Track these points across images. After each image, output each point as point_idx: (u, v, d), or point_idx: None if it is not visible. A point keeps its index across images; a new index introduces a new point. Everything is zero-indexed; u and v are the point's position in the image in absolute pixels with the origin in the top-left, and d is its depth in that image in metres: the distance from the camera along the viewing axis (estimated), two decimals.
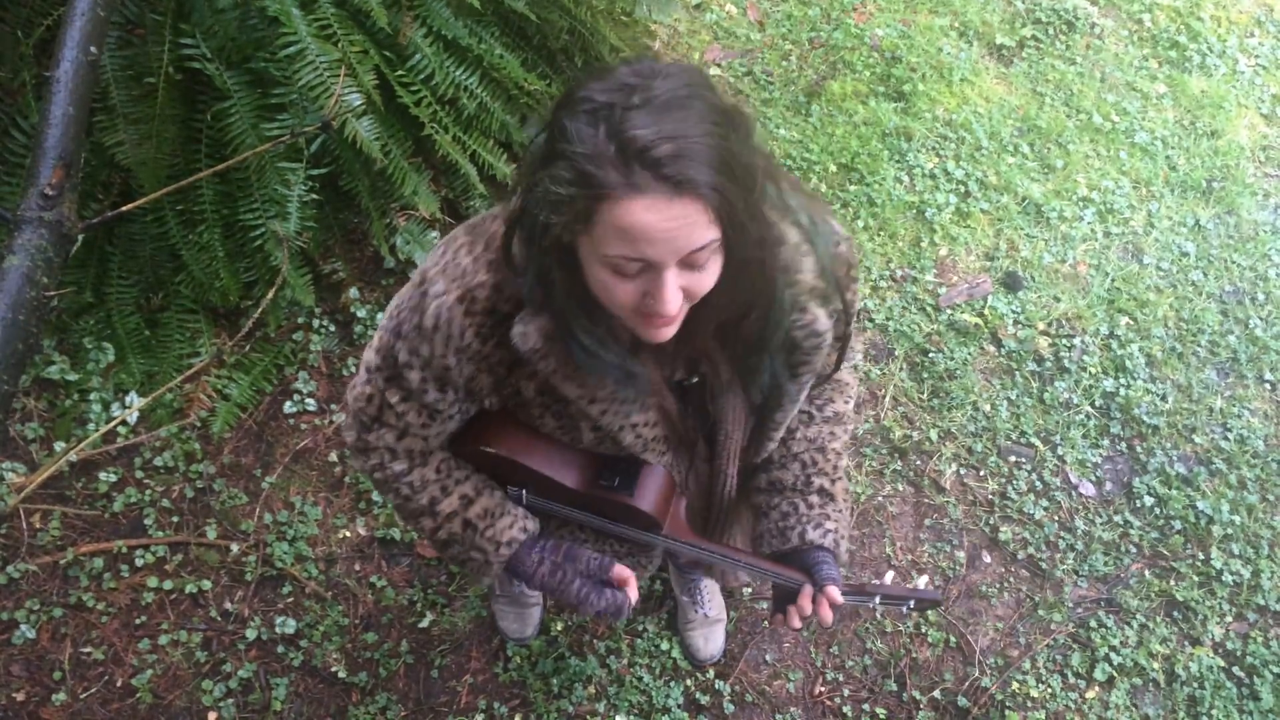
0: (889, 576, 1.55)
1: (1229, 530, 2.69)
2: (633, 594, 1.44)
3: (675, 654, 2.38)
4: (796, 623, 1.45)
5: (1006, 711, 2.38)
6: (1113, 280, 3.14)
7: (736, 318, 1.17)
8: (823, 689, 2.39)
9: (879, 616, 2.47)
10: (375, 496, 2.49)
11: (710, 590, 2.35)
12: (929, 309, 3.00)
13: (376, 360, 1.28)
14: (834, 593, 1.41)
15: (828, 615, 1.43)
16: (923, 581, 1.77)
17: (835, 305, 1.25)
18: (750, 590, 2.49)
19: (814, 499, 1.48)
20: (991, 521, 2.66)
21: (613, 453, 1.34)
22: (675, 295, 1.01)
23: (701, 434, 1.38)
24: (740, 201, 0.98)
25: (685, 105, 0.94)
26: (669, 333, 1.09)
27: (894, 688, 2.41)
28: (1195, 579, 2.62)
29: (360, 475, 2.49)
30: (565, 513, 1.46)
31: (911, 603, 1.59)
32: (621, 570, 1.45)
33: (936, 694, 2.41)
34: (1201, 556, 2.65)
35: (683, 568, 2.23)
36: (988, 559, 2.62)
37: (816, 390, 1.49)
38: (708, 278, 1.04)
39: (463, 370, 1.21)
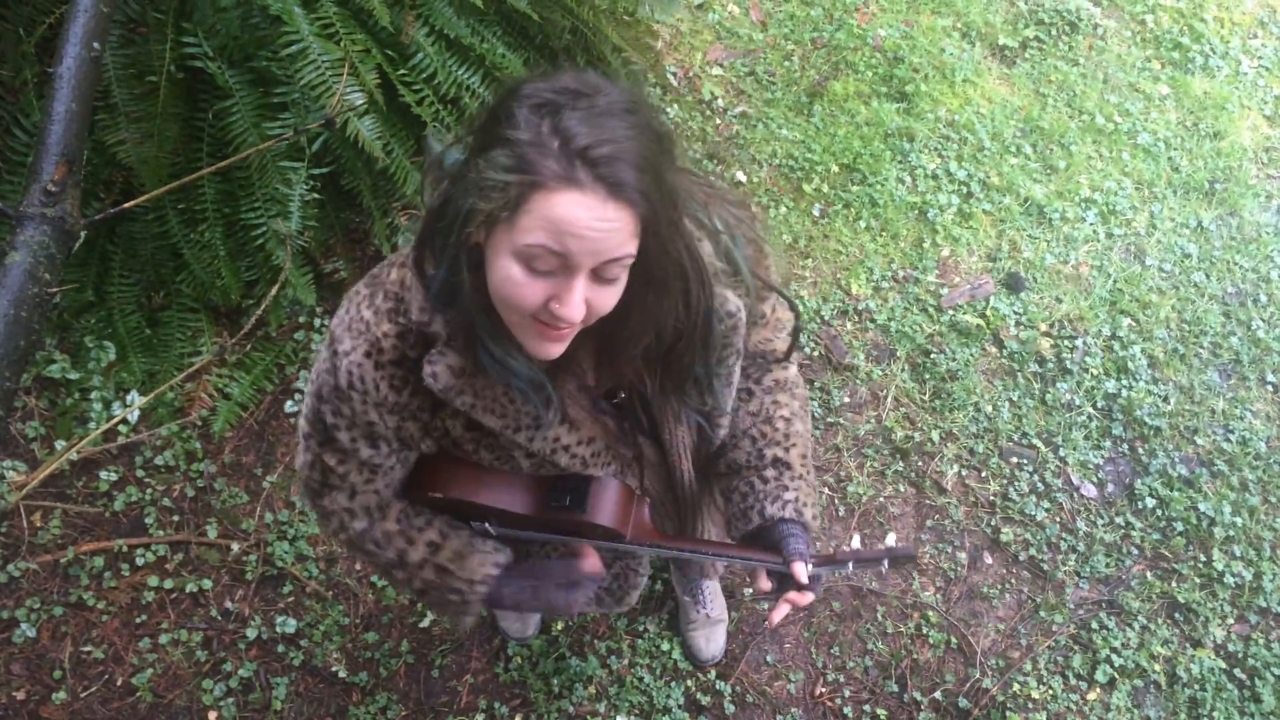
0: (855, 540, 1.53)
1: (1231, 532, 2.68)
2: (597, 566, 1.46)
3: (676, 654, 2.38)
4: (765, 584, 1.44)
5: (1008, 713, 2.38)
6: (1115, 281, 3.14)
7: (668, 344, 1.17)
8: (824, 690, 2.39)
9: (870, 579, 2.47)
10: None
11: (713, 590, 2.35)
12: (931, 310, 3.00)
13: (306, 427, 1.27)
14: (799, 569, 1.38)
15: (800, 599, 1.41)
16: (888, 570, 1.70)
17: (745, 285, 1.26)
18: (751, 591, 2.49)
19: (769, 472, 1.46)
20: (993, 523, 2.66)
21: (556, 474, 1.33)
22: (581, 303, 1.01)
23: (647, 438, 1.38)
24: (665, 217, 1.01)
25: (624, 119, 0.96)
26: (558, 350, 1.09)
27: (895, 689, 2.41)
28: (1197, 581, 2.62)
29: None
30: (534, 536, 1.46)
31: (886, 563, 1.54)
32: (587, 562, 1.46)
33: (938, 695, 2.40)
34: (1203, 558, 2.65)
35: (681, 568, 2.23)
36: (989, 560, 2.62)
37: (753, 368, 1.49)
38: (610, 296, 1.04)
39: (387, 423, 1.21)
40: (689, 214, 1.13)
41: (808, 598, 1.42)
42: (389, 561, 1.39)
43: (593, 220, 0.95)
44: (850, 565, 1.50)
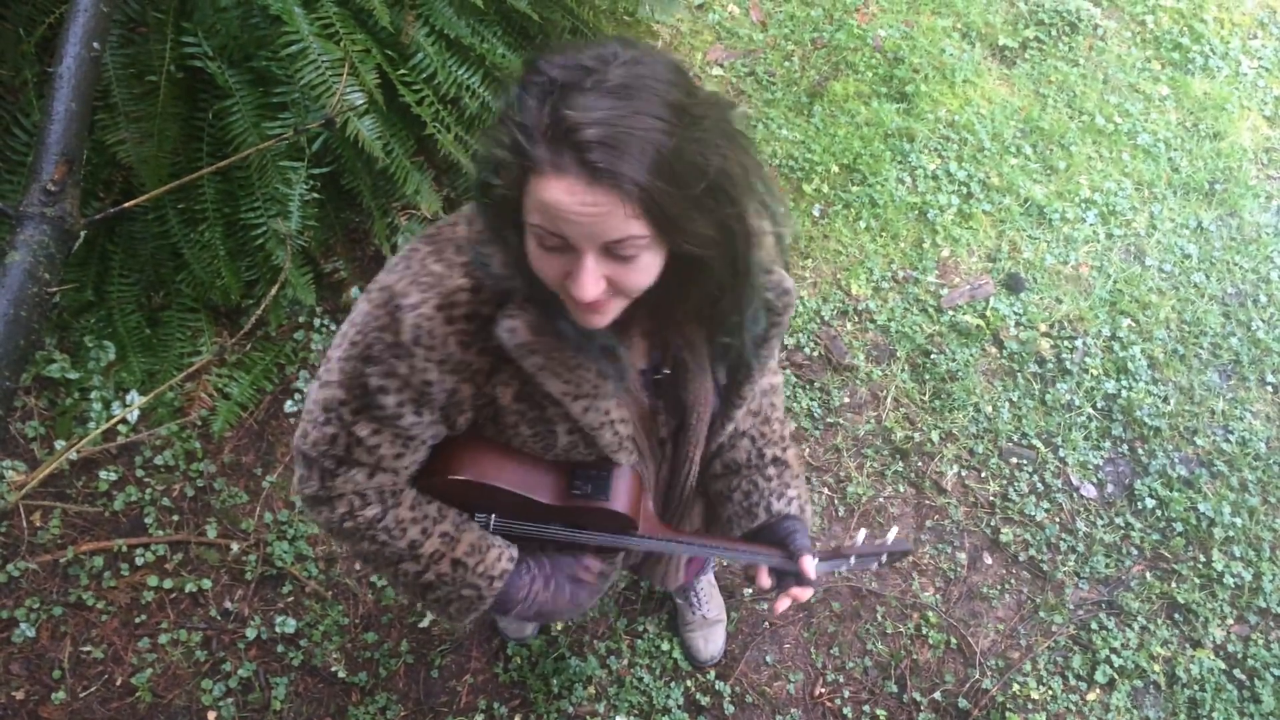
0: (861, 534, 1.59)
1: (1230, 532, 2.68)
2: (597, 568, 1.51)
3: (675, 655, 2.38)
4: (765, 581, 1.48)
5: (1007, 713, 2.38)
6: (1115, 282, 3.14)
7: (711, 302, 1.15)
8: (823, 690, 2.39)
9: (869, 579, 2.47)
10: None
11: (707, 592, 2.35)
12: (931, 310, 3.00)
13: (340, 394, 1.20)
14: (807, 563, 1.42)
15: (801, 594, 1.46)
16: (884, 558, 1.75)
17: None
18: (751, 591, 2.48)
19: (770, 471, 1.49)
20: (993, 523, 2.66)
21: (584, 458, 1.32)
22: (594, 282, 0.99)
23: (669, 429, 1.38)
24: (675, 200, 0.95)
25: (633, 96, 0.92)
26: (600, 320, 1.07)
27: (894, 689, 2.41)
28: (1196, 581, 2.62)
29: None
30: (534, 532, 1.44)
31: (884, 557, 1.61)
32: (593, 562, 1.50)
33: (937, 696, 2.40)
34: (1203, 559, 2.65)
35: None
36: (989, 560, 2.62)
37: None
38: (638, 273, 1.01)
39: (444, 384, 1.17)
40: (748, 187, 1.04)
41: (809, 592, 1.46)
42: (398, 553, 1.34)
43: (576, 205, 0.93)
44: (852, 559, 1.56)
